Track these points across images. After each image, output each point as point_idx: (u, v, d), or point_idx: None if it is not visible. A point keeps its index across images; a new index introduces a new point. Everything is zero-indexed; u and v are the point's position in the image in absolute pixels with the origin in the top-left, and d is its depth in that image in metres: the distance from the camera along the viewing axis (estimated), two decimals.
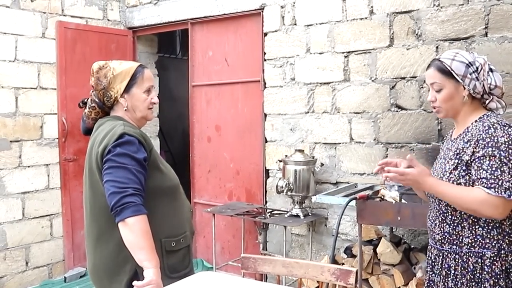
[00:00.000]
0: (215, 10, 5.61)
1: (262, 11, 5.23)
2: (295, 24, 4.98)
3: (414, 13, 4.27)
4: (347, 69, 4.66)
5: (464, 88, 2.33)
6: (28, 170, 5.46)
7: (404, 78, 4.34)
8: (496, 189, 2.16)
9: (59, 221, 5.71)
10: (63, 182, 5.69)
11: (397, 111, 4.40)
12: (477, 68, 2.32)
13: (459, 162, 2.30)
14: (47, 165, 5.61)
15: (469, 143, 2.29)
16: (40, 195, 5.56)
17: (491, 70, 2.35)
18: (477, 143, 2.25)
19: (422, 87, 4.25)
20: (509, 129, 2.23)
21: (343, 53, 4.67)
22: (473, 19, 3.99)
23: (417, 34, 4.27)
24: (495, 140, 2.20)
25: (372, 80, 4.52)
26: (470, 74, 2.31)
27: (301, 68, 4.95)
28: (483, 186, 2.19)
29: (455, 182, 2.30)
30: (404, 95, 4.35)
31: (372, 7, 4.49)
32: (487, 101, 2.37)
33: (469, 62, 2.32)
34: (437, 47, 4.16)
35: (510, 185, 2.16)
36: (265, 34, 5.22)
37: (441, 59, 2.38)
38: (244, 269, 2.65)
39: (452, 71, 2.33)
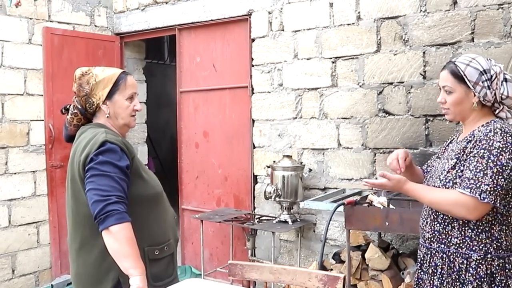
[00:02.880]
0: (203, 16, 5.60)
1: (250, 17, 5.23)
2: (283, 30, 4.99)
3: (401, 19, 4.29)
4: (335, 74, 4.66)
5: (475, 95, 2.33)
6: (15, 177, 5.40)
7: (391, 83, 4.35)
8: (472, 190, 2.19)
9: (46, 228, 5.66)
10: (50, 188, 5.64)
11: (384, 117, 4.40)
12: (491, 76, 2.31)
13: (458, 162, 2.33)
14: (33, 171, 5.56)
15: (470, 143, 2.32)
16: (26, 202, 5.51)
17: (505, 79, 2.34)
18: (474, 144, 2.28)
19: (409, 93, 4.26)
20: (509, 137, 2.24)
21: (331, 58, 4.68)
22: (460, 25, 4.01)
23: (404, 40, 4.28)
24: (490, 144, 2.22)
25: (360, 86, 4.52)
26: (483, 82, 2.30)
27: (288, 74, 4.95)
28: (463, 185, 2.23)
29: (451, 181, 2.32)
30: (392, 100, 4.36)
31: (359, 12, 4.50)
32: (497, 110, 2.38)
33: (484, 70, 2.31)
34: (424, 53, 4.18)
35: (488, 189, 2.18)
36: (253, 40, 5.22)
37: (456, 62, 2.37)
38: (232, 276, 2.63)
39: (464, 76, 2.32)
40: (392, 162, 2.56)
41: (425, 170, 2.74)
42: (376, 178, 4.35)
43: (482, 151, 2.22)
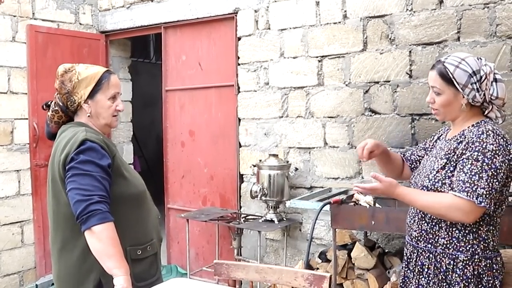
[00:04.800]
0: (189, 14, 5.57)
1: (236, 15, 5.20)
2: (269, 29, 4.97)
3: (387, 18, 4.29)
4: (321, 73, 4.65)
5: (463, 97, 2.31)
6: None
7: (377, 82, 4.35)
8: (469, 194, 2.17)
9: (30, 227, 5.60)
10: (34, 188, 5.58)
11: (370, 116, 4.40)
12: (480, 77, 2.28)
13: (448, 162, 2.32)
14: (17, 171, 5.50)
15: (460, 144, 2.30)
16: (10, 201, 5.45)
17: (495, 80, 2.31)
18: (467, 146, 2.26)
19: (395, 92, 4.26)
20: (501, 139, 2.23)
21: (317, 57, 4.67)
22: (446, 24, 4.02)
23: (390, 39, 4.28)
24: (483, 146, 2.20)
25: (346, 85, 4.52)
26: (472, 84, 2.28)
27: (275, 73, 4.94)
28: (458, 189, 2.20)
29: (440, 182, 2.31)
30: (378, 99, 4.36)
31: (345, 11, 4.49)
32: (486, 110, 2.36)
33: (473, 71, 2.28)
34: (410, 52, 4.18)
35: (484, 192, 2.16)
36: (239, 39, 5.20)
37: (446, 63, 2.33)
38: (217, 275, 2.61)
39: (453, 79, 2.30)
40: (358, 150, 2.57)
41: (408, 158, 2.73)
42: (363, 178, 4.40)
43: (476, 153, 2.20)
